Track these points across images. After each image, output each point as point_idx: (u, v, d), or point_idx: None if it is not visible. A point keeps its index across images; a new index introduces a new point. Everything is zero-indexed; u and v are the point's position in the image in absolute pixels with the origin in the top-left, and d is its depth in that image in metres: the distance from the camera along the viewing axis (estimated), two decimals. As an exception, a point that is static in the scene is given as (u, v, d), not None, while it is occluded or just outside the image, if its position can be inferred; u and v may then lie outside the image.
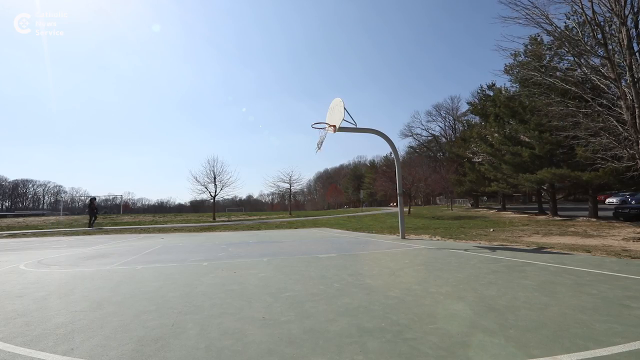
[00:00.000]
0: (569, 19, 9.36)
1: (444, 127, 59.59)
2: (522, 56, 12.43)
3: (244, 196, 76.17)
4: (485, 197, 40.48)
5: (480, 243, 7.58)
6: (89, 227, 17.48)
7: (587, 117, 9.31)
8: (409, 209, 27.67)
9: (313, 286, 3.51)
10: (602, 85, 8.71)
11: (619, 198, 25.10)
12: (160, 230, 15.88)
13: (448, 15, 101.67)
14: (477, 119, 31.35)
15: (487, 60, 79.76)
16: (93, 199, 19.13)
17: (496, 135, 21.90)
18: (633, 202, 22.74)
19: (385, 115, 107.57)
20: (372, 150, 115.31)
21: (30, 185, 75.66)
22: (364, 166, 76.38)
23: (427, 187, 31.86)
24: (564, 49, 10.02)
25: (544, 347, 1.82)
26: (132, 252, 7.49)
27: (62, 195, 76.25)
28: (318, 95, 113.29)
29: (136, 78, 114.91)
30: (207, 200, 30.09)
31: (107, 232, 15.57)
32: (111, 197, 66.61)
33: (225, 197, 29.63)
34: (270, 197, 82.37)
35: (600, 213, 17.31)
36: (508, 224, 14.68)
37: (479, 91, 28.70)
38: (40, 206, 72.71)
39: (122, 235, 13.87)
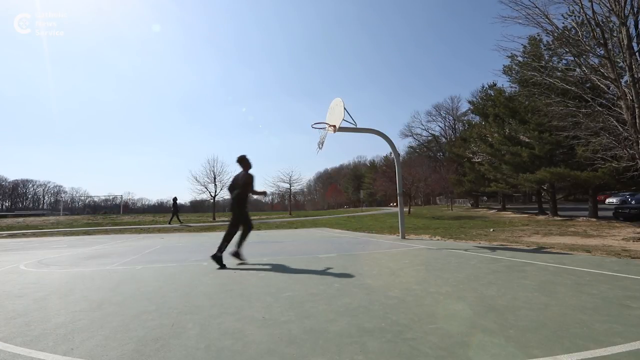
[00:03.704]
0: (567, 19, 9.36)
1: (444, 127, 59.62)
2: (520, 57, 12.42)
3: (244, 196, 75.96)
4: (485, 197, 40.50)
5: (480, 243, 7.58)
6: (169, 223, 19.02)
7: (587, 117, 9.31)
8: (409, 209, 27.67)
9: (313, 286, 3.51)
10: (602, 85, 8.71)
11: (619, 198, 25.07)
12: (160, 230, 15.88)
13: (448, 15, 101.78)
14: (477, 119, 31.39)
15: (487, 60, 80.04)
16: (175, 199, 20.43)
17: (496, 135, 21.91)
18: (633, 202, 22.72)
19: (385, 115, 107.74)
20: (372, 150, 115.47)
21: (30, 185, 75.68)
22: (364, 166, 76.37)
23: (427, 187, 31.88)
24: (564, 49, 10.02)
25: (544, 347, 1.82)
26: (132, 252, 7.49)
27: (62, 195, 76.29)
28: (318, 95, 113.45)
29: (136, 78, 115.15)
30: (207, 200, 30.07)
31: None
32: (111, 197, 66.61)
33: (225, 197, 29.65)
34: (270, 197, 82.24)
35: (600, 213, 17.31)
36: (508, 224, 14.69)
37: (481, 91, 28.73)
38: (40, 206, 72.71)
39: (122, 235, 13.86)
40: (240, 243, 5.27)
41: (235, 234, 5.26)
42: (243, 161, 5.36)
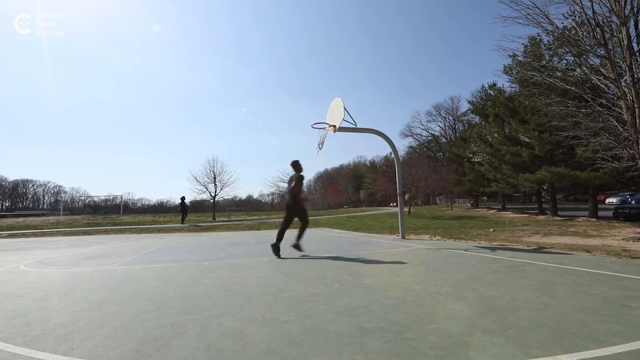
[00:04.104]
0: (567, 19, 9.35)
1: (444, 127, 59.64)
2: (521, 57, 12.41)
3: (244, 196, 76.31)
4: (485, 197, 40.49)
5: (480, 243, 7.57)
6: (182, 223, 18.96)
7: (587, 117, 9.30)
8: (409, 209, 27.67)
9: (313, 286, 3.51)
10: (602, 85, 8.70)
11: (619, 198, 25.08)
12: (160, 230, 15.88)
13: (448, 15, 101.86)
14: (477, 119, 31.39)
15: (487, 60, 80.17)
16: (183, 198, 20.35)
17: (496, 135, 21.92)
18: (633, 202, 22.73)
19: (385, 115, 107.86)
20: (372, 150, 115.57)
21: (30, 185, 75.76)
22: (364, 166, 76.38)
23: (427, 187, 31.86)
24: (564, 49, 10.01)
25: (544, 347, 1.82)
26: (132, 252, 7.49)
27: (62, 195, 76.40)
28: (318, 95, 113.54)
29: (136, 78, 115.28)
30: (207, 200, 30.05)
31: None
32: (111, 197, 66.70)
33: (225, 197, 29.62)
34: (270, 197, 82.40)
35: (600, 213, 17.31)
36: (508, 224, 14.68)
37: (481, 91, 28.73)
38: (40, 206, 72.78)
39: (122, 235, 13.87)
40: (299, 236, 6.15)
41: (288, 228, 6.09)
42: (296, 165, 6.33)
